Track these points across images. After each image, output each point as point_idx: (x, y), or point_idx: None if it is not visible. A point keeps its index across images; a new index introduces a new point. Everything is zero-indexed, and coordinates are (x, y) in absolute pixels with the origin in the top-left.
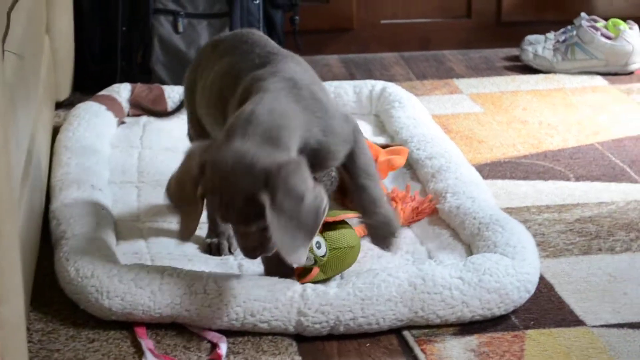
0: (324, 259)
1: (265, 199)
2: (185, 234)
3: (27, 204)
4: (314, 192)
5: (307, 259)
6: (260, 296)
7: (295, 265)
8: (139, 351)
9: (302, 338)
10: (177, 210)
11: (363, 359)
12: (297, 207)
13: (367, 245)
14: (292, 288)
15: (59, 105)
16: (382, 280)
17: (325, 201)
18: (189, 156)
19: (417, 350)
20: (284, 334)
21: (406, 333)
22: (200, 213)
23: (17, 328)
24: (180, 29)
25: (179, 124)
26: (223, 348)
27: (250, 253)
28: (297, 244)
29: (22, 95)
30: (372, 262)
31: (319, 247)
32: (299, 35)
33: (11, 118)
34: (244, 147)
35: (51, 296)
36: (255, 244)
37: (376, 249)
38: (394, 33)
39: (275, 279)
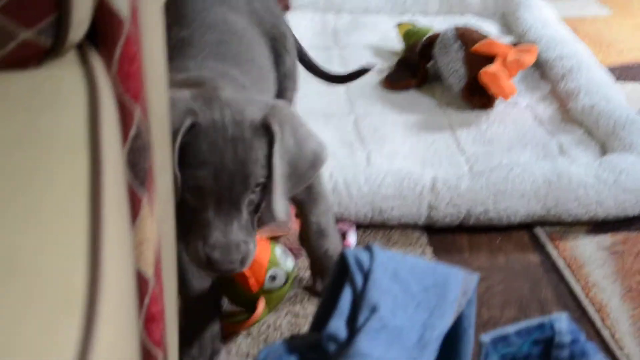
0: (293, 273)
1: (276, 127)
2: None
3: None
4: (317, 138)
5: (276, 278)
6: (388, 195)
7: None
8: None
9: (432, 230)
10: None
11: (494, 253)
12: (299, 150)
13: (495, 139)
14: (421, 182)
15: None
16: (517, 175)
17: (325, 152)
18: None
19: (549, 246)
20: (414, 226)
21: (538, 229)
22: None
23: None
24: None
25: (305, 19)
26: (352, 238)
27: (228, 255)
28: (286, 196)
29: None
30: (502, 155)
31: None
32: None
33: None
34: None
35: None
36: (238, 241)
37: (504, 141)
38: None
39: (402, 174)
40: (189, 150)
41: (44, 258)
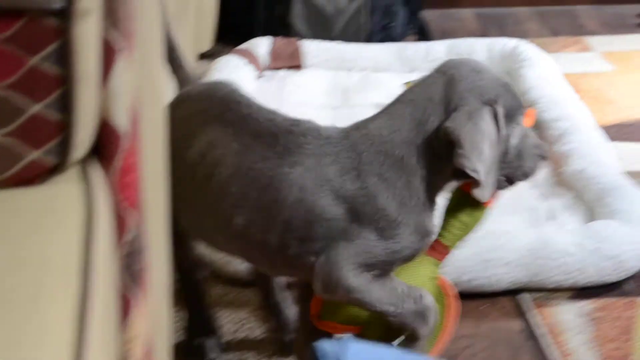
0: None
1: None
2: None
3: None
4: None
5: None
6: None
7: None
8: None
9: None
10: None
11: (480, 320)
12: None
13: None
14: None
15: (201, 56)
16: (503, 245)
17: None
18: None
19: (532, 312)
20: None
21: (522, 296)
22: None
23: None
24: None
25: (316, 79)
26: None
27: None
28: None
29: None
30: (493, 221)
31: None
32: None
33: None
34: None
35: None
36: None
37: (498, 204)
38: None
39: None
40: None
41: None
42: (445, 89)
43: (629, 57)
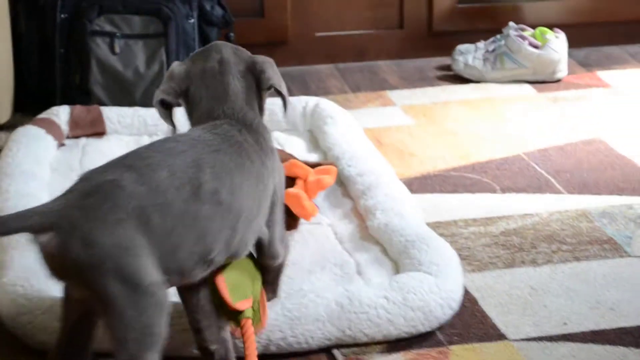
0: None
1: None
2: None
3: None
4: None
5: None
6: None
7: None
8: None
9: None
10: None
11: None
12: None
13: (297, 261)
14: None
15: (0, 128)
16: (310, 301)
17: None
18: None
19: None
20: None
21: (335, 351)
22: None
23: None
24: (117, 49)
25: (119, 145)
26: None
27: None
28: None
29: None
30: (303, 280)
31: None
32: None
33: None
34: None
35: None
36: None
37: (306, 263)
38: (328, 45)
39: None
40: None
41: None
42: (236, 57)
43: (428, 110)
